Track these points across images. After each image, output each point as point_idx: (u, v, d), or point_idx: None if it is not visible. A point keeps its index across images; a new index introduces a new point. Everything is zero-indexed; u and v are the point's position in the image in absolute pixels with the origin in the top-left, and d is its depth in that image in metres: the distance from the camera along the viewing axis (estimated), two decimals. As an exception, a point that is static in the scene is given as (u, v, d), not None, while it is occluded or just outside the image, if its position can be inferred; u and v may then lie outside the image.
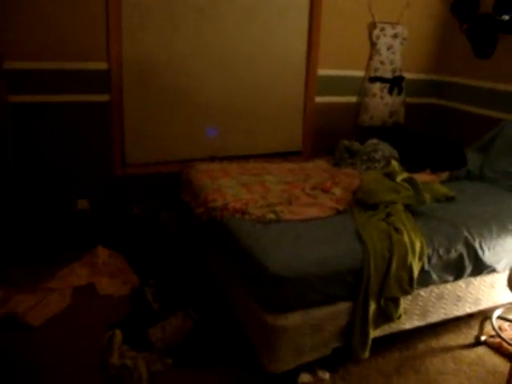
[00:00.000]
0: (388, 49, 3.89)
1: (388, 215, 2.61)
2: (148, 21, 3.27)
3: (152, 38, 3.32)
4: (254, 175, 3.34)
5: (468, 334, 2.83)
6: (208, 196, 2.93)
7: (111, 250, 3.34)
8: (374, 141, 3.63)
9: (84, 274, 3.20)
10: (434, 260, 2.48)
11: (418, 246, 2.43)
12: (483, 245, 2.63)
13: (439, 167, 3.37)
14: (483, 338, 2.76)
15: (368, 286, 2.31)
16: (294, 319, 2.19)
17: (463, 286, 2.68)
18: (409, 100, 4.16)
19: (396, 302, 2.40)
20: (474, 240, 2.62)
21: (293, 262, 2.17)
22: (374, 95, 3.92)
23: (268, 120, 3.81)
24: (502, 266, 2.73)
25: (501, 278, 2.78)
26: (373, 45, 3.87)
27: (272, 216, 2.61)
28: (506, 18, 3.52)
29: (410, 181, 2.86)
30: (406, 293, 2.40)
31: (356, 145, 3.65)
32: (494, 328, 2.68)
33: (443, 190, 3.03)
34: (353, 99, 3.97)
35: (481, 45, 3.85)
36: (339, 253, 2.30)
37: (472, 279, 2.69)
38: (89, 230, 3.44)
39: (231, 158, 3.68)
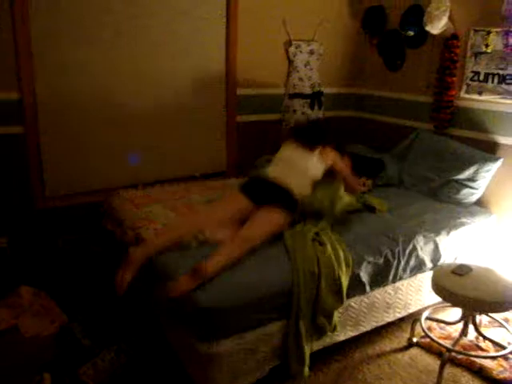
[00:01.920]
0: (305, 65, 3.99)
1: (316, 233, 2.65)
2: (60, 44, 3.16)
3: (66, 62, 3.21)
4: (179, 198, 3.29)
5: (401, 338, 2.92)
6: (135, 223, 2.86)
7: (35, 288, 3.17)
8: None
9: (5, 317, 3.00)
10: (362, 266, 2.54)
11: (342, 254, 2.49)
12: (406, 248, 2.74)
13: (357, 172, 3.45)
14: (415, 339, 2.86)
15: (299, 305, 2.33)
16: (226, 346, 2.16)
17: (392, 292, 2.76)
18: (329, 113, 4.28)
19: (329, 315, 2.43)
20: (398, 243, 2.73)
21: (221, 292, 2.15)
22: (295, 111, 3.99)
23: (191, 142, 3.80)
24: (427, 267, 2.86)
25: (426, 282, 2.89)
26: (290, 62, 3.95)
27: (193, 243, 2.56)
28: (411, 33, 3.72)
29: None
30: (338, 304, 2.44)
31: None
32: (423, 329, 2.77)
33: (380, 204, 3.13)
34: (275, 116, 4.03)
35: (391, 59, 4.04)
36: (268, 276, 2.30)
37: (399, 285, 2.78)
38: (9, 269, 3.24)
39: (154, 184, 3.61)
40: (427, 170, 3.52)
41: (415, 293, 2.90)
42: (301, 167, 2.95)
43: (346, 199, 2.95)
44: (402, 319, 2.98)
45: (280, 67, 3.96)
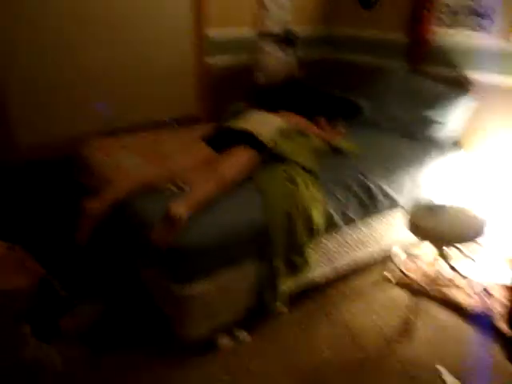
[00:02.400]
0: (275, 4, 3.86)
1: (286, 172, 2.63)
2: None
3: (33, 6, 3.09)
4: (150, 145, 3.24)
5: (376, 275, 2.97)
6: (106, 172, 2.82)
7: (9, 242, 3.13)
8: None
9: (-19, 271, 2.99)
10: (332, 203, 2.56)
11: (313, 191, 2.50)
12: (377, 183, 2.76)
13: (332, 115, 3.43)
14: (388, 274, 2.92)
15: (273, 243, 2.34)
16: (200, 286, 2.18)
17: (364, 229, 2.80)
18: (301, 54, 4.18)
19: (302, 252, 2.45)
20: (368, 179, 2.74)
21: (194, 233, 2.15)
22: (268, 52, 3.89)
23: (160, 86, 3.70)
24: (401, 201, 2.89)
25: (398, 218, 2.92)
26: (259, 2, 3.82)
27: (173, 187, 2.53)
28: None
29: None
30: (311, 240, 2.46)
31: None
32: (395, 263, 2.83)
33: (348, 146, 3.10)
34: (246, 58, 3.93)
35: (364, -5, 3.93)
36: (241, 216, 2.31)
37: (371, 221, 2.81)
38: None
39: (125, 130, 3.53)
40: (400, 109, 3.49)
41: (388, 229, 2.94)
42: (266, 122, 2.99)
43: (312, 143, 2.94)
44: (375, 256, 3.03)
45: (250, 6, 3.83)
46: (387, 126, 3.52)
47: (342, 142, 3.10)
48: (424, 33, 3.43)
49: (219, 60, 3.82)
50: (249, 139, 2.77)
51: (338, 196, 2.59)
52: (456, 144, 3.36)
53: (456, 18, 3.25)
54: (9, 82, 3.13)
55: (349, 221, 2.66)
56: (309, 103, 3.55)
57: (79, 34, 3.29)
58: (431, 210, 2.63)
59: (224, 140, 2.84)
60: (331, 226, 2.57)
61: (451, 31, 3.31)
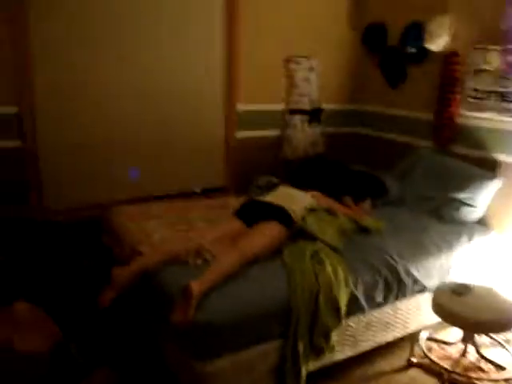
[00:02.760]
0: (305, 81, 4.00)
1: (315, 252, 2.62)
2: (61, 56, 3.19)
3: (65, 77, 3.23)
4: (178, 214, 3.28)
5: (400, 358, 2.86)
6: (132, 239, 2.84)
7: (31, 303, 3.13)
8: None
9: (0, 332, 2.97)
10: (360, 286, 2.51)
11: (341, 274, 2.46)
12: (406, 267, 2.70)
13: (359, 195, 3.45)
14: (414, 359, 2.81)
15: (297, 323, 2.29)
16: (222, 364, 2.13)
17: (391, 312, 2.72)
18: (329, 130, 4.28)
19: (327, 335, 2.39)
20: (397, 263, 2.69)
21: (217, 308, 2.12)
22: (295, 127, 3.99)
23: (189, 157, 3.79)
24: (429, 285, 2.81)
25: (426, 301, 2.84)
26: (290, 78, 3.96)
27: (199, 260, 2.53)
28: (413, 50, 3.73)
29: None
30: (337, 324, 2.40)
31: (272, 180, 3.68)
32: (422, 349, 2.73)
33: (374, 224, 3.09)
34: (275, 133, 4.03)
35: (392, 75, 4.04)
36: (266, 293, 2.28)
37: (398, 304, 2.74)
38: (5, 283, 3.21)
39: (154, 198, 3.60)
40: (428, 189, 3.50)
41: (415, 312, 2.86)
42: (296, 199, 3.05)
43: (340, 222, 2.94)
44: (401, 339, 2.93)
45: (280, 83, 3.97)
46: (414, 206, 3.51)
47: (369, 221, 3.09)
48: (451, 114, 3.49)
49: (248, 134, 3.92)
50: (278, 214, 2.80)
51: (366, 278, 2.54)
52: (484, 225, 3.31)
53: (483, 101, 3.31)
54: (43, 146, 3.25)
55: (375, 305, 2.60)
56: (335, 180, 3.58)
57: (114, 102, 3.44)
58: (457, 290, 2.57)
59: (254, 213, 2.86)
60: (356, 308, 2.52)
61: (478, 114, 3.35)
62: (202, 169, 3.87)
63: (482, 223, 3.32)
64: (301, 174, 3.75)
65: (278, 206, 2.88)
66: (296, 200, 3.04)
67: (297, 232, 2.79)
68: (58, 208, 3.37)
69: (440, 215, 3.33)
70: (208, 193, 3.85)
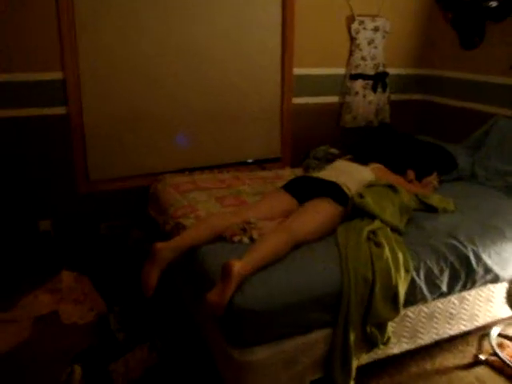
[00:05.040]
0: (369, 43, 3.64)
1: (372, 232, 2.34)
2: (106, 22, 3.02)
3: (111, 42, 3.06)
4: (227, 187, 3.10)
5: (466, 353, 2.56)
6: (177, 211, 2.69)
7: (77, 273, 3.09)
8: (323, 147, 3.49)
9: (47, 302, 2.94)
10: (422, 273, 2.22)
11: (401, 258, 2.18)
12: (477, 253, 2.37)
13: (426, 169, 3.11)
14: (482, 356, 2.50)
15: (348, 311, 2.05)
16: (263, 353, 1.93)
17: (456, 302, 2.42)
18: (394, 97, 3.90)
19: (382, 326, 2.14)
20: (466, 248, 2.36)
21: (258, 293, 1.91)
22: (357, 94, 3.66)
23: (242, 126, 3.55)
24: (504, 274, 2.47)
25: (498, 292, 2.52)
26: (352, 39, 3.61)
27: (245, 238, 2.34)
28: (494, 4, 3.26)
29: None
30: (394, 314, 2.14)
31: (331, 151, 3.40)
32: (492, 346, 2.43)
33: (442, 203, 2.77)
34: (334, 99, 3.72)
35: (467, 35, 3.59)
36: (314, 277, 2.04)
37: (466, 294, 2.43)
38: (52, 252, 3.19)
39: (203, 169, 3.42)
40: (505, 163, 3.10)
41: (485, 304, 2.53)
42: (354, 174, 2.80)
43: (402, 199, 2.62)
44: (468, 333, 2.63)
45: (341, 45, 3.63)
46: (488, 182, 3.13)
47: (436, 199, 2.76)
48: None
49: (306, 100, 3.63)
50: (333, 191, 2.56)
51: (429, 264, 2.25)
52: None
53: None
54: (89, 113, 3.13)
55: (439, 294, 2.30)
56: (400, 153, 3.26)
57: (164, 69, 3.25)
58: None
59: (307, 189, 2.63)
60: (417, 297, 2.23)
61: None
62: (257, 138, 3.63)
63: None
64: (363, 144, 3.44)
65: (331, 182, 2.62)
66: (353, 175, 2.79)
67: (353, 210, 2.52)
68: (103, 178, 3.27)
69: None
70: (262, 164, 3.63)
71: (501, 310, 2.58)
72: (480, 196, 2.96)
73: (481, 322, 2.57)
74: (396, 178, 2.93)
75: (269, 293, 1.93)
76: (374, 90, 3.69)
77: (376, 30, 3.63)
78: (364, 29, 3.59)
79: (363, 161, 2.99)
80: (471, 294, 2.45)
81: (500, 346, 2.52)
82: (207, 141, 3.48)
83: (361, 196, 2.56)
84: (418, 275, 2.21)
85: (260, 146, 3.63)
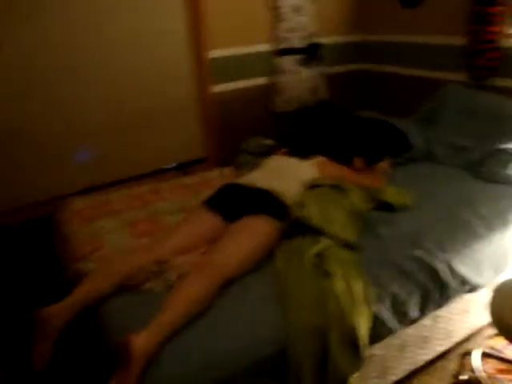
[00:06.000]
0: (295, 11, 3.09)
1: (319, 255, 1.86)
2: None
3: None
4: (143, 206, 2.55)
5: (445, 373, 2.16)
6: (78, 250, 2.13)
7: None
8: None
9: None
10: (387, 302, 1.77)
11: (358, 290, 1.71)
12: (449, 263, 1.93)
13: (376, 154, 2.65)
14: (464, 376, 2.10)
15: (299, 375, 1.58)
16: None
17: (429, 322, 1.99)
18: (331, 70, 3.40)
19: (343, 381, 1.68)
20: (436, 259, 1.92)
21: (174, 370, 1.42)
22: (287, 72, 3.12)
23: (157, 127, 3.00)
24: (481, 282, 2.04)
25: (475, 298, 2.12)
26: (275, 8, 3.05)
27: (159, 285, 1.81)
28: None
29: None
30: (357, 366, 1.67)
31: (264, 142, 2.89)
32: (472, 366, 2.03)
33: (400, 197, 2.30)
34: (262, 81, 3.17)
35: (406, -11, 3.11)
36: (248, 336, 1.55)
37: (439, 312, 2.00)
38: None
39: (117, 184, 2.84)
40: (464, 138, 2.68)
41: (461, 316, 2.12)
42: (292, 173, 2.33)
43: (352, 201, 2.15)
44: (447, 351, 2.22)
45: (262, 17, 3.07)
46: (449, 161, 2.70)
47: (391, 193, 2.31)
48: (492, 35, 2.59)
49: (227, 86, 3.07)
50: (267, 201, 2.10)
51: (394, 290, 1.79)
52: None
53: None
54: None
55: (408, 322, 1.86)
56: (344, 137, 2.77)
57: (53, 69, 2.64)
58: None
59: (236, 202, 2.14)
60: (385, 333, 1.78)
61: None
62: (176, 139, 3.06)
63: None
64: (299, 132, 2.93)
65: (265, 191, 2.12)
66: (291, 175, 2.32)
67: (294, 224, 2.03)
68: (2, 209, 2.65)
69: (481, 172, 2.53)
70: (186, 167, 3.07)
71: (479, 318, 2.18)
72: (440, 180, 2.53)
73: (459, 336, 2.18)
74: (342, 171, 2.46)
75: (189, 368, 1.44)
76: (307, 65, 3.16)
77: (302, -6, 3.09)
78: (287, -6, 3.04)
79: (302, 153, 2.51)
80: (445, 310, 2.03)
81: (483, 360, 2.13)
82: (117, 150, 2.90)
83: (302, 205, 2.07)
84: (382, 306, 1.75)
85: (181, 148, 3.07)
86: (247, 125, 3.12)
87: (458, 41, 2.81)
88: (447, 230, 2.06)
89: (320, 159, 2.48)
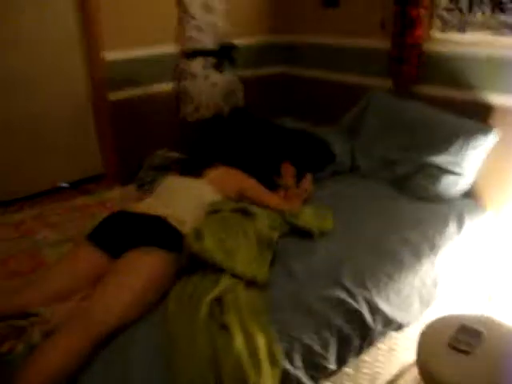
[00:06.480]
0: (205, 9, 2.75)
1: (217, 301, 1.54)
2: None
3: None
4: (24, 235, 2.14)
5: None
6: None
7: None
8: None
9: None
10: (298, 357, 1.47)
11: (262, 347, 1.40)
12: (371, 302, 1.67)
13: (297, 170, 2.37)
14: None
15: None
16: None
17: (351, 371, 1.72)
18: (247, 74, 3.09)
19: None
20: (356, 299, 1.65)
21: None
22: (195, 76, 2.78)
23: (45, 141, 2.58)
24: (407, 319, 1.80)
25: (402, 335, 1.87)
26: (180, 4, 2.70)
27: (20, 346, 1.43)
28: None
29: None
30: None
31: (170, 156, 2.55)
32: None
33: (317, 222, 2.01)
34: (168, 87, 2.81)
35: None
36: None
37: (362, 357, 1.73)
38: None
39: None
40: (390, 149, 2.44)
41: (387, 356, 1.87)
42: (188, 195, 2.01)
43: (259, 227, 1.84)
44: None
45: (167, 14, 2.70)
46: (374, 175, 2.46)
47: (309, 216, 2.02)
48: (416, 39, 2.37)
49: (130, 93, 2.68)
50: (160, 230, 1.77)
51: (307, 341, 1.49)
52: (475, 201, 2.30)
53: (465, 15, 2.19)
54: None
55: (325, 375, 1.57)
56: (259, 151, 2.48)
57: None
58: (459, 343, 1.58)
59: (123, 234, 1.77)
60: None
61: (458, 35, 2.24)
62: (68, 154, 2.65)
63: (471, 198, 2.31)
64: (205, 142, 2.60)
65: (157, 218, 1.78)
66: (188, 198, 1.99)
67: (191, 262, 1.70)
68: None
69: (408, 187, 2.31)
70: (81, 185, 2.67)
71: (408, 354, 1.94)
72: (364, 198, 2.27)
73: (387, 377, 1.92)
74: (251, 187, 2.15)
75: None
76: (220, 68, 2.84)
77: (212, -11, 2.76)
78: (196, -11, 2.70)
79: (195, 170, 2.19)
80: (369, 354, 1.77)
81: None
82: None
83: (199, 236, 1.74)
84: (292, 362, 1.46)
85: (74, 164, 2.66)
86: (153, 136, 2.74)
87: (382, 44, 2.57)
88: (370, 261, 1.79)
89: (213, 174, 2.15)
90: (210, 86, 2.81)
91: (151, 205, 1.92)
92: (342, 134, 2.68)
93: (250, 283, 1.64)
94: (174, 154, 2.60)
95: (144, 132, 2.73)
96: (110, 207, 2.33)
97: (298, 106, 3.20)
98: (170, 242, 1.73)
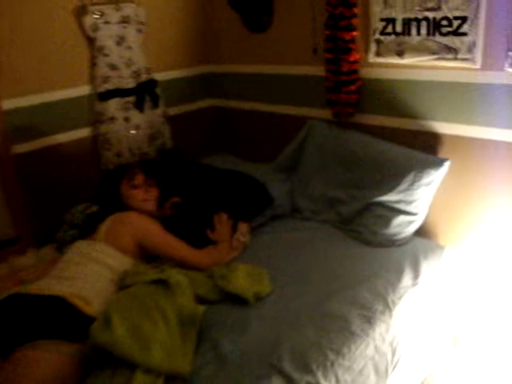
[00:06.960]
0: (118, 43, 2.47)
1: None
2: None
3: None
4: None
5: None
6: None
7: None
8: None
9: None
10: None
11: None
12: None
13: (233, 213, 2.10)
14: None
15: None
16: None
17: None
18: (173, 111, 2.81)
19: None
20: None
21: None
22: (113, 119, 2.48)
23: None
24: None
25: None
26: (91, 41, 2.41)
27: None
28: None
29: None
30: None
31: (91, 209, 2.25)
32: None
33: (252, 285, 1.73)
34: (84, 132, 2.50)
35: (252, 13, 2.61)
36: None
37: None
38: None
39: None
40: (332, 187, 2.21)
41: None
42: (90, 262, 1.71)
43: (179, 304, 1.56)
44: None
45: (77, 52, 2.41)
46: (318, 217, 2.22)
47: (242, 279, 1.74)
48: (352, 65, 2.15)
49: (39, 144, 2.36)
50: (59, 312, 1.50)
51: None
52: (425, 236, 2.08)
53: (405, 39, 1.98)
54: None
55: None
56: (190, 198, 2.20)
57: None
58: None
59: (15, 323, 1.46)
60: None
61: (397, 60, 2.03)
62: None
63: (425, 237, 2.09)
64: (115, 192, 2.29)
65: (55, 298, 1.50)
66: (91, 268, 1.71)
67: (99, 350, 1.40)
68: None
69: (356, 230, 2.07)
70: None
71: None
72: (307, 247, 2.01)
73: None
74: (146, 232, 1.87)
75: None
76: (140, 107, 2.55)
77: (125, 21, 2.47)
78: (106, 23, 2.40)
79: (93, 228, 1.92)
80: None
81: None
82: None
83: (107, 321, 1.44)
84: None
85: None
86: (71, 190, 2.42)
87: (317, 71, 2.34)
88: (313, 335, 1.52)
89: (104, 228, 1.85)
90: (131, 128, 2.51)
91: (50, 282, 1.61)
92: (281, 172, 2.43)
93: (170, 378, 1.36)
94: (93, 207, 2.31)
95: (60, 186, 2.40)
96: (20, 277, 2.01)
97: (232, 141, 2.95)
98: (70, 330, 1.43)
